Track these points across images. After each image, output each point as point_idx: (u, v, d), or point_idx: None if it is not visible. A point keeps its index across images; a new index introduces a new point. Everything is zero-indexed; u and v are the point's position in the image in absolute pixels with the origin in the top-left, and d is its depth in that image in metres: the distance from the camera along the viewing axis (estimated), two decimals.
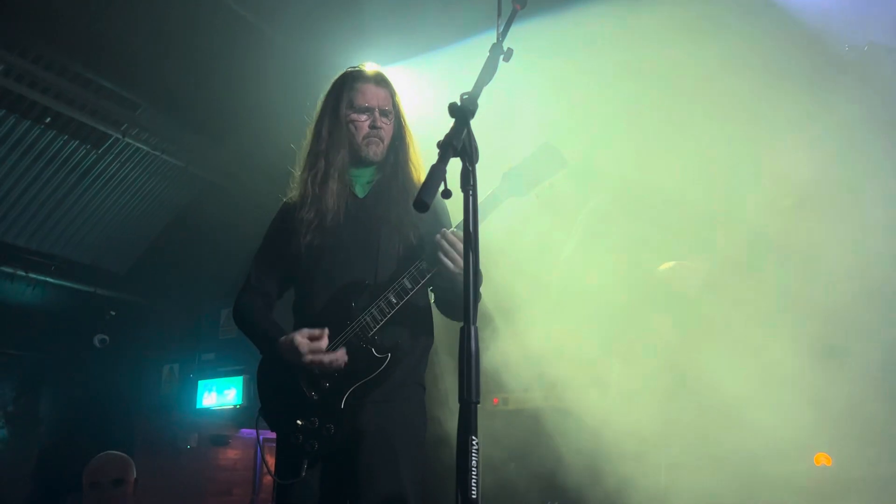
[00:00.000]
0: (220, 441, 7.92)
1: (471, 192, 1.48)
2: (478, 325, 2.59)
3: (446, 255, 2.38)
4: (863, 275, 3.04)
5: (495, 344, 3.84)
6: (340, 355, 2.47)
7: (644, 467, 3.49)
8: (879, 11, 3.09)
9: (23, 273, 6.67)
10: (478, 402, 1.40)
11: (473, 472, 1.34)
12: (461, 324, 2.61)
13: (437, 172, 1.48)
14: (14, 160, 6.04)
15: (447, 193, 1.50)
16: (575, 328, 3.44)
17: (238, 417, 7.78)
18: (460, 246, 2.36)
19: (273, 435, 2.68)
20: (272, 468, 2.60)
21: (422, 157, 2.82)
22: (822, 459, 3.38)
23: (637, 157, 3.19)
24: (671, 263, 3.07)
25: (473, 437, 1.36)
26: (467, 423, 1.37)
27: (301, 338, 2.47)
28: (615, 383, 3.59)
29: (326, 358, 2.45)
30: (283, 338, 2.53)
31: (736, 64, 3.00)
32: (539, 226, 3.25)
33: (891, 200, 2.97)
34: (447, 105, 1.59)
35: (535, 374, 3.95)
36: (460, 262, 2.36)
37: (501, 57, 1.70)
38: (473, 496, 1.31)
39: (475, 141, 1.54)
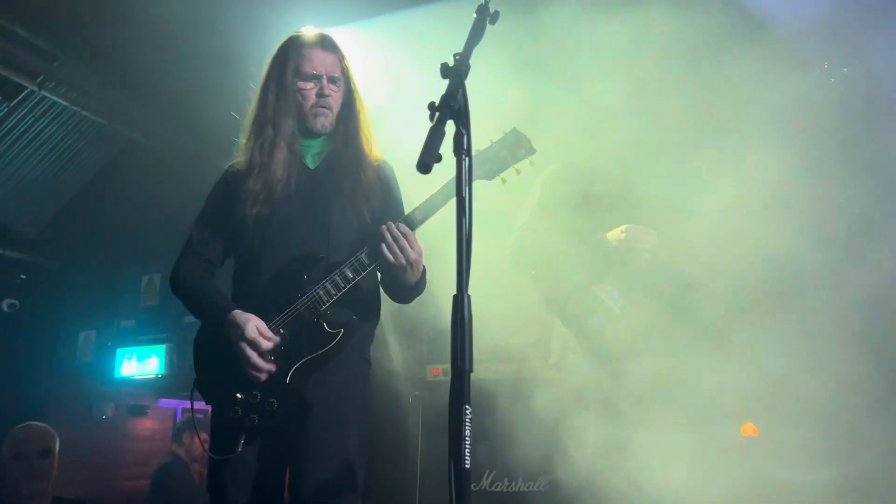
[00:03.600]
0: (138, 411, 7.70)
1: (464, 157, 1.45)
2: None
3: (388, 248, 2.35)
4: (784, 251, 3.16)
5: (440, 315, 3.83)
6: (269, 368, 2.40)
7: (582, 434, 3.56)
8: None
9: None
10: (471, 371, 1.38)
11: (467, 442, 1.32)
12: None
13: (437, 134, 1.44)
14: None
15: (438, 157, 1.46)
16: (525, 299, 3.47)
17: (157, 386, 7.55)
18: (403, 241, 2.35)
19: (196, 406, 2.59)
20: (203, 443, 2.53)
21: (372, 126, 2.75)
22: (749, 430, 3.51)
23: (593, 131, 3.23)
24: (622, 228, 3.11)
25: (467, 406, 1.34)
26: (460, 391, 1.34)
27: (253, 326, 2.39)
28: (556, 350, 3.64)
29: (257, 361, 2.38)
30: (236, 312, 2.43)
31: (711, 43, 3.06)
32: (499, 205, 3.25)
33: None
34: (439, 66, 1.55)
35: (481, 344, 3.96)
36: (401, 256, 2.35)
37: (488, 19, 1.66)
38: (467, 466, 1.30)
39: (468, 103, 1.50)
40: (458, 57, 1.56)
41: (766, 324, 3.14)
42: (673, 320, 3.08)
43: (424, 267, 2.49)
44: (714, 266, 3.02)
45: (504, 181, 2.55)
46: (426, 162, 1.40)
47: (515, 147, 2.55)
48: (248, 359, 2.37)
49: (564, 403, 3.49)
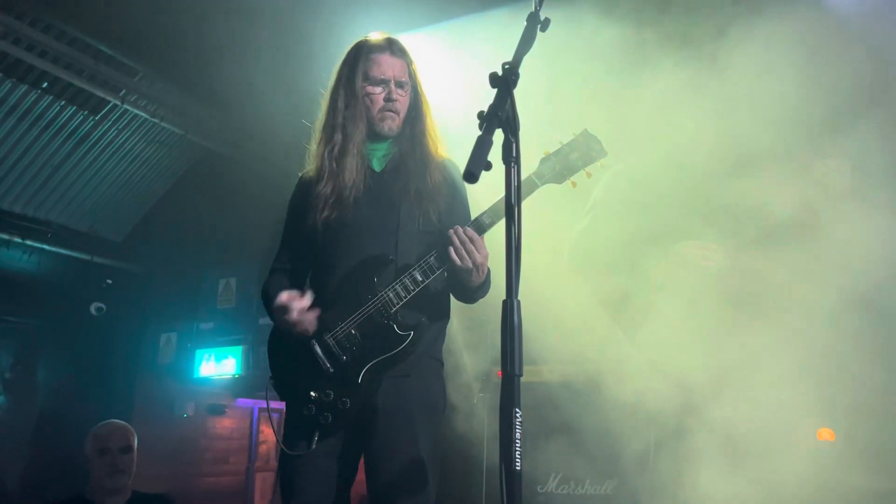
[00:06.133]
0: (217, 410, 7.94)
1: (513, 165, 1.48)
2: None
3: (456, 251, 2.37)
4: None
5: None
6: (310, 318, 2.48)
7: (653, 436, 3.52)
8: None
9: (19, 240, 6.62)
10: (521, 375, 1.40)
11: (517, 444, 1.34)
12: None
13: (484, 143, 1.47)
14: (10, 125, 5.96)
15: (488, 165, 1.49)
16: (586, 302, 3.45)
17: (234, 387, 7.81)
18: (470, 245, 2.37)
19: (274, 405, 2.66)
20: (269, 437, 2.59)
21: (438, 128, 2.78)
22: (826, 435, 3.41)
23: (656, 132, 3.19)
24: (688, 244, 3.05)
25: (517, 410, 1.36)
26: (510, 395, 1.37)
27: (284, 296, 2.47)
28: (616, 355, 3.62)
29: (295, 316, 2.46)
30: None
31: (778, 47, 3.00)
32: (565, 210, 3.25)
33: None
34: (488, 75, 1.57)
35: (541, 348, 3.97)
36: (468, 260, 2.37)
37: (539, 26, 1.68)
38: (518, 467, 1.32)
39: (517, 112, 1.53)
40: (506, 66, 1.59)
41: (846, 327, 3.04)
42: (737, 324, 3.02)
43: (489, 269, 2.51)
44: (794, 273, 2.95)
45: (574, 185, 2.53)
46: (472, 171, 1.43)
47: (586, 149, 2.52)
48: (292, 323, 2.47)
49: (628, 408, 3.46)
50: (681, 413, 3.30)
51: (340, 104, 2.68)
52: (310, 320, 2.49)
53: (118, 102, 6.08)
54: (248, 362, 7.07)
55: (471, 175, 1.44)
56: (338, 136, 2.65)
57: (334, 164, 2.63)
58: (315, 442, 2.47)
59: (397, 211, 2.60)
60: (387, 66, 2.67)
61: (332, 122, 2.69)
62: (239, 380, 7.38)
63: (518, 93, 1.61)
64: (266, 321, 7.32)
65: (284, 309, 2.46)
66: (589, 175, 2.54)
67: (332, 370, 2.50)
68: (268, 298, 2.68)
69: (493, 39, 4.15)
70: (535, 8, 1.70)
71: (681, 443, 3.25)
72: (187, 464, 7.53)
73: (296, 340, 2.53)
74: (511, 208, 1.45)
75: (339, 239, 2.61)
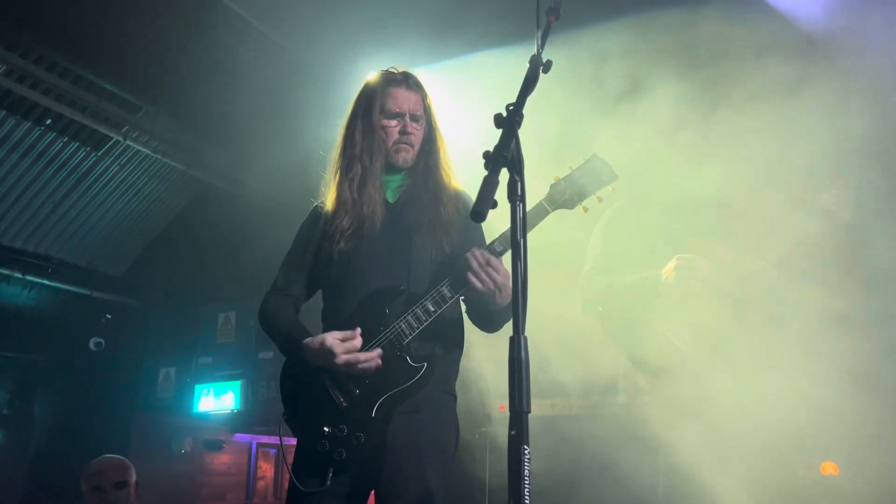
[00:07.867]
0: (215, 445, 7.86)
1: (518, 203, 1.51)
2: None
3: (475, 275, 2.34)
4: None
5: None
6: (375, 356, 2.41)
7: (649, 470, 3.51)
8: None
9: (19, 275, 6.64)
10: (529, 412, 1.41)
11: (526, 481, 1.35)
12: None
13: (491, 183, 1.50)
14: (13, 161, 6.02)
15: (494, 204, 1.52)
16: (590, 337, 3.47)
17: (232, 422, 7.74)
18: (487, 267, 2.34)
19: (270, 440, 2.61)
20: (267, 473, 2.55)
21: (452, 161, 2.80)
22: (829, 469, 3.40)
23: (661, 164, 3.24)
24: (674, 260, 3.06)
25: (525, 446, 1.37)
26: (519, 432, 1.38)
27: (332, 339, 2.40)
28: (624, 389, 3.62)
29: (363, 356, 2.39)
30: (308, 339, 2.47)
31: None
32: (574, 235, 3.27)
33: None
34: (493, 116, 1.61)
35: (546, 382, 3.96)
36: (489, 282, 2.34)
37: (541, 68, 1.72)
38: None
39: (521, 152, 1.56)
40: (510, 107, 1.62)
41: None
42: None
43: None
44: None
45: (586, 210, 2.51)
46: (480, 210, 1.46)
47: (596, 173, 2.51)
48: (356, 363, 2.39)
49: (637, 442, 3.45)
50: (686, 448, 3.29)
51: (358, 136, 2.70)
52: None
53: (120, 138, 6.16)
54: (247, 397, 7.04)
55: (478, 214, 1.47)
56: (357, 168, 2.67)
57: (354, 195, 2.64)
58: (329, 478, 2.44)
59: (410, 242, 2.60)
60: (402, 99, 2.70)
61: (349, 153, 2.71)
62: (237, 415, 7.32)
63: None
64: (266, 356, 7.36)
65: (332, 353, 2.40)
66: (600, 200, 2.52)
67: (345, 404, 2.46)
68: (268, 319, 2.68)
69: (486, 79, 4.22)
70: (538, 51, 1.75)
71: (686, 479, 3.24)
72: (184, 500, 7.43)
73: (308, 374, 2.51)
74: (517, 245, 1.48)
75: (351, 270, 2.61)
